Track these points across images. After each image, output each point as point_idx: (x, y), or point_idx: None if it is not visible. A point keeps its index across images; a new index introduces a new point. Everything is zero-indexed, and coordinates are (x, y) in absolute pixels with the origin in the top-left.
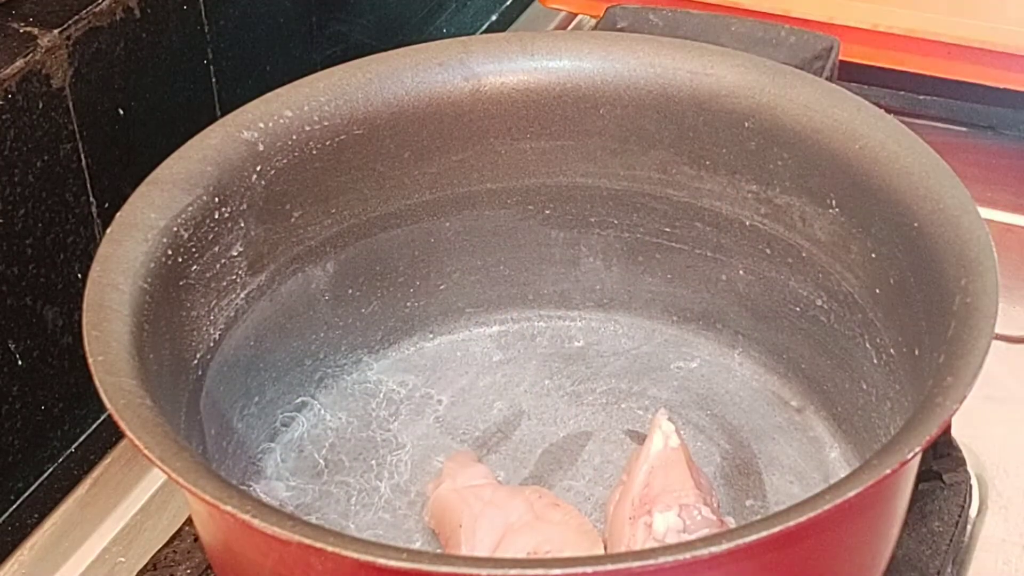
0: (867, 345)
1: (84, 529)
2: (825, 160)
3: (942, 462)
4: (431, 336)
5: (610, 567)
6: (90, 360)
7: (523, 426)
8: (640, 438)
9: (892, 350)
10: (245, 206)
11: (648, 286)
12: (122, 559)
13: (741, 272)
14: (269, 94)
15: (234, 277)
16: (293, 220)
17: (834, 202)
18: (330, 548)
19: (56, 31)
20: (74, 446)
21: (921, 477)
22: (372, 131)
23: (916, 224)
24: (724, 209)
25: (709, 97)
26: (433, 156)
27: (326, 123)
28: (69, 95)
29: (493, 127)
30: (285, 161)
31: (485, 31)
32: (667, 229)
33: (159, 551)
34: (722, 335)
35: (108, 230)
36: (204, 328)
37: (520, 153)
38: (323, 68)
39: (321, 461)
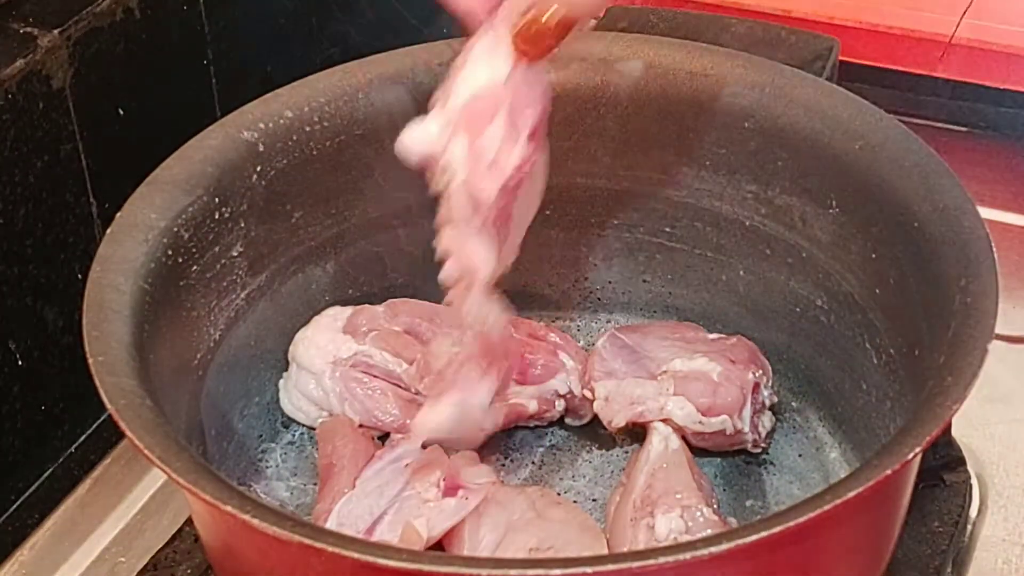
0: (867, 345)
1: (84, 529)
2: (825, 160)
3: (942, 462)
4: None
5: (611, 567)
6: (90, 360)
7: (523, 426)
8: (639, 438)
9: (892, 350)
10: (245, 206)
11: (648, 286)
12: (122, 559)
13: (741, 272)
14: (269, 95)
15: (234, 277)
16: (293, 220)
17: (834, 202)
18: (330, 548)
19: (56, 31)
20: (74, 446)
21: (921, 477)
22: (372, 132)
23: (916, 224)
24: (724, 209)
25: (709, 97)
26: None
27: (326, 124)
28: (69, 95)
29: None
30: (285, 161)
31: None
32: (667, 229)
33: (159, 551)
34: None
35: (108, 230)
36: (204, 328)
37: None
38: (323, 68)
39: None
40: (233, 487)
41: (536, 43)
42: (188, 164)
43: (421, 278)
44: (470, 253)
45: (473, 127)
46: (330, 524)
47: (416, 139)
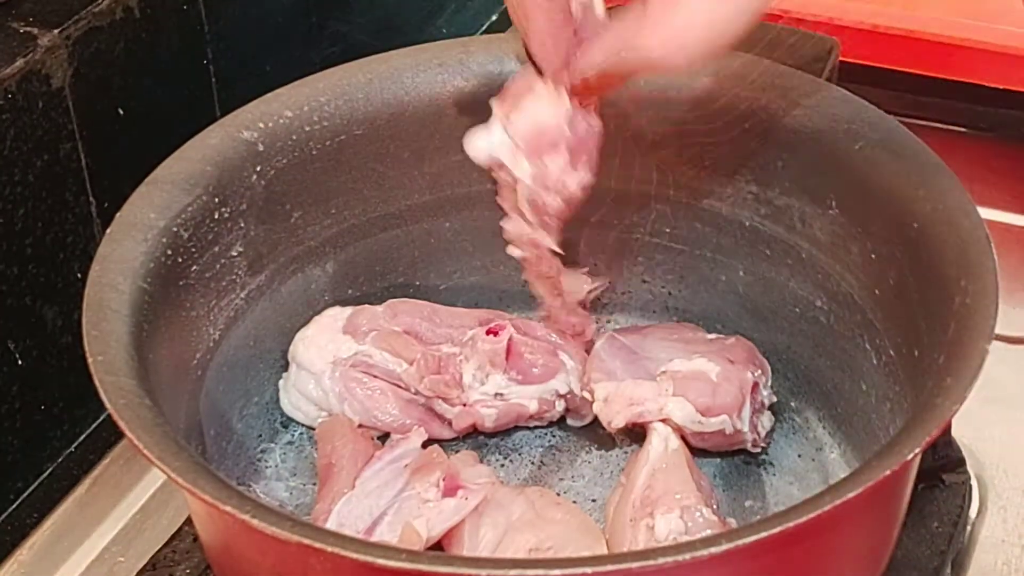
0: (867, 346)
1: (84, 529)
2: (825, 161)
3: (942, 462)
4: None
5: (611, 567)
6: (90, 360)
7: (523, 426)
8: (639, 438)
9: (892, 351)
10: (245, 206)
11: (648, 286)
12: (121, 559)
13: (741, 273)
14: (269, 94)
15: (234, 277)
16: (293, 220)
17: (834, 203)
18: (329, 548)
19: (56, 31)
20: (74, 446)
21: (921, 477)
22: (372, 131)
23: (916, 225)
24: (724, 210)
25: (709, 98)
26: (433, 156)
27: (326, 123)
28: (69, 95)
29: None
30: (285, 161)
31: (485, 31)
32: (667, 230)
33: (158, 551)
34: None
35: (108, 230)
36: (204, 328)
37: None
38: (323, 68)
39: None
40: (232, 487)
41: (591, 92)
42: (188, 164)
43: (421, 278)
44: (535, 239)
45: (535, 153)
46: (330, 524)
47: (483, 144)
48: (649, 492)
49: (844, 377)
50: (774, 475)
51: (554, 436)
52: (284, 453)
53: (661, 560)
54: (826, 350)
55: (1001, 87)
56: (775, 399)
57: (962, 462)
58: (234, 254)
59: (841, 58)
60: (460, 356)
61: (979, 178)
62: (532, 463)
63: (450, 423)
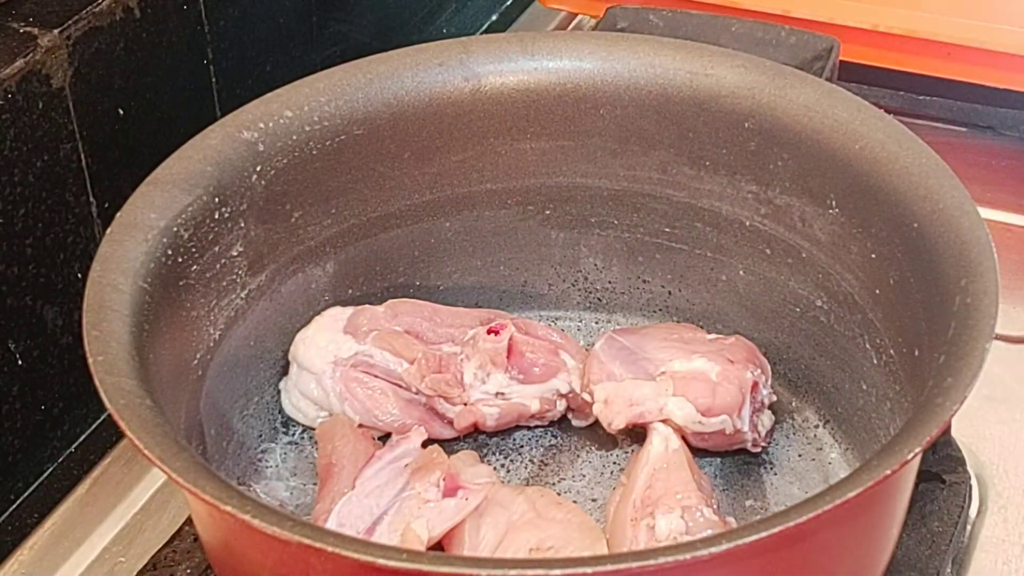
0: (867, 346)
1: (84, 529)
2: (825, 161)
3: (942, 462)
4: None
5: (610, 567)
6: (90, 360)
7: (524, 426)
8: (639, 438)
9: (892, 351)
10: (245, 206)
11: (648, 286)
12: (122, 559)
13: (741, 272)
14: (269, 94)
15: (234, 277)
16: (293, 220)
17: (834, 202)
18: (330, 548)
19: (56, 31)
20: (74, 446)
21: (921, 477)
22: (372, 131)
23: (916, 225)
24: (724, 209)
25: (709, 97)
26: (433, 156)
27: (326, 123)
28: (69, 95)
29: (493, 127)
30: (285, 161)
31: (485, 31)
32: (667, 229)
33: (159, 551)
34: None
35: (108, 230)
36: (204, 328)
37: (520, 153)
38: (323, 68)
39: None
40: (233, 487)
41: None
42: (188, 164)
43: (421, 278)
44: None
45: None
46: (330, 524)
47: None
48: (650, 492)
49: (844, 377)
50: (775, 475)
51: (555, 436)
52: (285, 453)
53: (661, 560)
54: (826, 350)
55: (1001, 87)
56: (775, 399)
57: (962, 462)
58: (234, 254)
59: (841, 57)
60: (461, 355)
61: (979, 178)
62: (533, 463)
63: (451, 422)
